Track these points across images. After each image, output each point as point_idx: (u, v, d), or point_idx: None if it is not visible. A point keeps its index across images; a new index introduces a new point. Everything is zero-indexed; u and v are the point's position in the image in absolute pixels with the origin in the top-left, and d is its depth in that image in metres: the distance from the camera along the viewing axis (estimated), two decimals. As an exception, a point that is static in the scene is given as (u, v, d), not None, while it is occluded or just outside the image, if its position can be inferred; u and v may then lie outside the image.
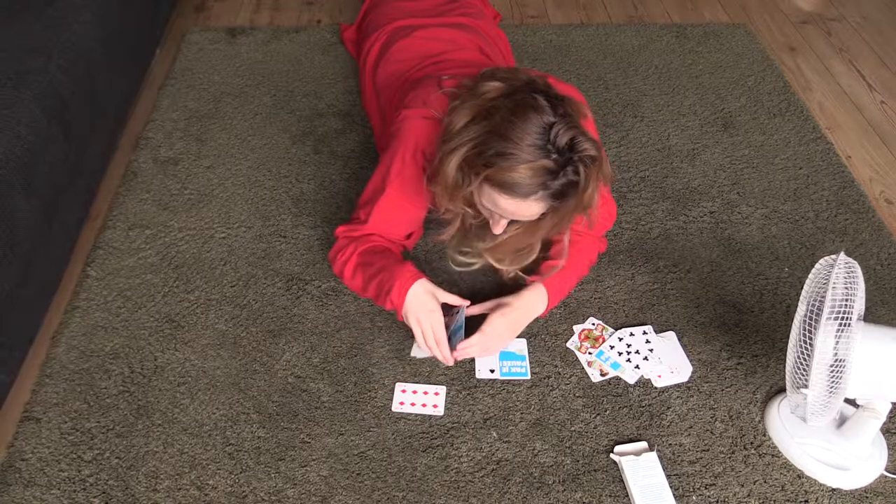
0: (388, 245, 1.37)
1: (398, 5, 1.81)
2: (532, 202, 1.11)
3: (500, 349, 1.31)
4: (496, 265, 1.33)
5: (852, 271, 1.04)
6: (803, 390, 1.04)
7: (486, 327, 1.26)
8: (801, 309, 1.05)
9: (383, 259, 1.31)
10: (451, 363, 1.25)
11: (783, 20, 2.31)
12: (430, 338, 1.23)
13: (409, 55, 1.60)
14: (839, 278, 1.03)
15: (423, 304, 1.24)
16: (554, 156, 1.06)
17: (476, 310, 1.31)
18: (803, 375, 1.04)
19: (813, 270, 1.06)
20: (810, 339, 1.02)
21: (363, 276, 1.31)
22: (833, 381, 1.04)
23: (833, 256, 1.05)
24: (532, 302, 1.31)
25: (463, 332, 1.26)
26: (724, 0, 2.37)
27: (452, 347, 1.25)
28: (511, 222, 1.23)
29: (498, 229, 1.22)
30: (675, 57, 2.08)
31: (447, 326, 1.25)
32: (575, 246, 1.35)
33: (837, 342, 1.03)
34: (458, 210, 1.23)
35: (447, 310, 1.28)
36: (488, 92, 1.14)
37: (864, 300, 1.07)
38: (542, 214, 1.16)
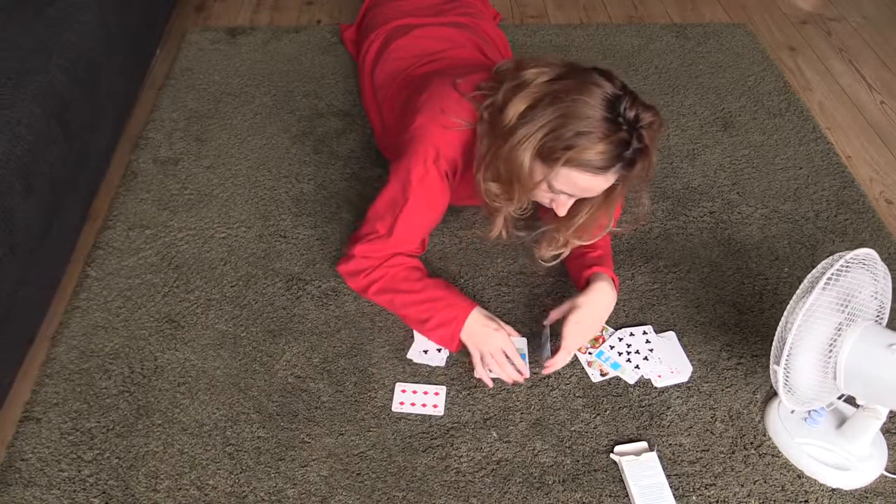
0: (415, 264, 1.36)
1: (397, 5, 1.82)
2: (610, 175, 1.12)
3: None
4: (577, 243, 1.32)
5: (886, 275, 1.07)
6: (774, 366, 1.06)
7: (566, 341, 1.26)
8: (823, 296, 1.06)
9: (429, 287, 1.32)
10: (521, 380, 1.27)
11: (783, 20, 2.31)
12: (500, 357, 1.25)
13: (406, 53, 1.60)
14: (862, 274, 1.04)
15: (485, 325, 1.27)
16: (625, 127, 1.08)
17: (554, 316, 1.32)
18: (779, 352, 1.06)
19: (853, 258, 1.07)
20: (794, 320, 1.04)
21: (396, 299, 1.33)
22: (824, 372, 1.05)
23: (840, 254, 1.06)
24: (602, 294, 1.30)
25: (549, 347, 1.29)
26: (724, 0, 2.38)
27: (540, 364, 1.28)
28: (578, 201, 1.23)
29: (563, 210, 1.22)
30: (675, 57, 2.08)
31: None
32: (605, 240, 1.39)
33: (837, 336, 1.03)
34: (522, 202, 1.24)
35: None
36: (536, 77, 1.14)
37: (888, 305, 1.09)
38: (613, 186, 1.17)
